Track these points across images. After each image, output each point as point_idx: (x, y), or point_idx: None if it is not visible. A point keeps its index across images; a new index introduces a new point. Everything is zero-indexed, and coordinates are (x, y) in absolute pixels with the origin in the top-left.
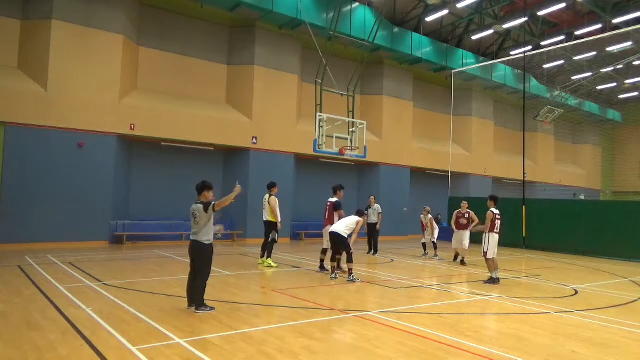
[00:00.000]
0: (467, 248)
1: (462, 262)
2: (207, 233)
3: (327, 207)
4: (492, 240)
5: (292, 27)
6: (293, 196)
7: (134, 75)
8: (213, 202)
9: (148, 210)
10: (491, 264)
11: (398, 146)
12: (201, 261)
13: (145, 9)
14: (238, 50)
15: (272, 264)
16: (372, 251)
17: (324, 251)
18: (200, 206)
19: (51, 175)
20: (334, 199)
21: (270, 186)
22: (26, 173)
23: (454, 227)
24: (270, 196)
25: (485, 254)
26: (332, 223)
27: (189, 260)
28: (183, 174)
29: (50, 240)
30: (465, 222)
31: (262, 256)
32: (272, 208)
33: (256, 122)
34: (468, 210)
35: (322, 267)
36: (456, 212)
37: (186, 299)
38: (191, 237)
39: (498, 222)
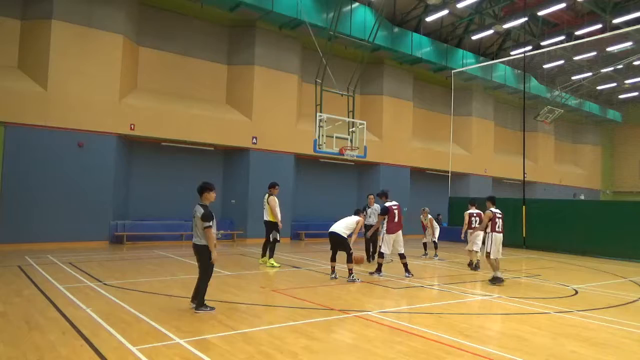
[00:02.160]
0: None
1: (476, 267)
2: (204, 236)
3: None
4: (495, 239)
5: (292, 27)
6: (293, 196)
7: (134, 75)
8: (210, 224)
9: (148, 210)
10: (493, 264)
11: (398, 146)
12: (202, 263)
13: (145, 9)
14: (238, 50)
15: (275, 264)
16: (371, 258)
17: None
18: (200, 212)
19: (51, 176)
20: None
21: (270, 186)
22: (26, 173)
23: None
24: (269, 196)
25: (488, 254)
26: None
27: (188, 261)
28: (183, 174)
29: (50, 240)
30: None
31: (263, 255)
32: (271, 208)
33: (256, 122)
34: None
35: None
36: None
37: (186, 299)
38: (193, 240)
39: (499, 221)
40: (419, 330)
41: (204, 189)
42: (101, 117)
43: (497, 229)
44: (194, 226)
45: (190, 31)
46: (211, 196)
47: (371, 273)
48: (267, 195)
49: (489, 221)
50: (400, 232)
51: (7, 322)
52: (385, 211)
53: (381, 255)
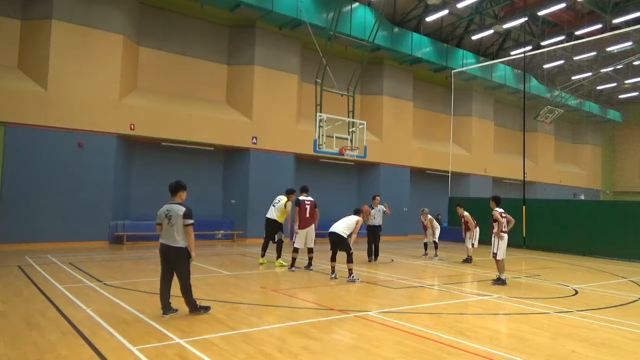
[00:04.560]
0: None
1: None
2: (184, 237)
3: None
4: (501, 240)
5: (292, 27)
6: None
7: (134, 75)
8: (192, 223)
9: (148, 210)
10: (500, 265)
11: (398, 146)
12: (182, 265)
13: (145, 9)
14: (238, 50)
15: (283, 263)
16: (373, 257)
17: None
18: (181, 209)
19: (51, 176)
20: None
21: (290, 192)
22: (26, 173)
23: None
24: (287, 201)
25: (495, 254)
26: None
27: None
28: (183, 174)
29: (50, 240)
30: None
31: (263, 255)
32: (287, 212)
33: (256, 122)
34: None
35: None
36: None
37: (174, 297)
38: (167, 242)
39: (505, 221)
40: (419, 330)
41: (178, 188)
42: (101, 117)
43: (503, 229)
44: (168, 226)
45: (190, 31)
46: (184, 195)
47: (290, 268)
48: (284, 197)
49: (495, 222)
50: (311, 227)
51: (7, 322)
52: (298, 203)
53: (295, 250)
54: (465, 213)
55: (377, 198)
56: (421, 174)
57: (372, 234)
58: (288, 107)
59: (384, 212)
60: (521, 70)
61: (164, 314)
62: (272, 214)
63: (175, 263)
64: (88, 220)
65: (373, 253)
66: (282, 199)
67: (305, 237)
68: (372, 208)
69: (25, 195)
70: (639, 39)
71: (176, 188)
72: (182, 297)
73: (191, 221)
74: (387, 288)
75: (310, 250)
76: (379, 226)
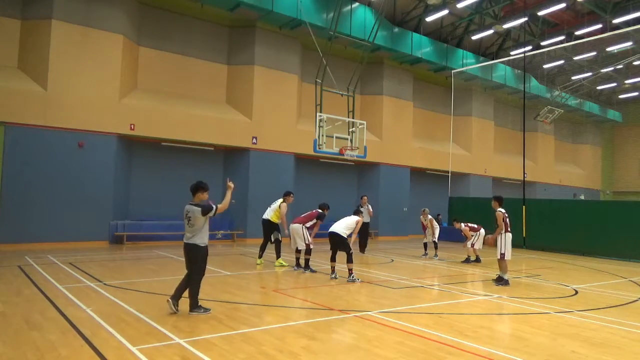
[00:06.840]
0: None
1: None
2: (203, 236)
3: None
4: (508, 240)
5: (292, 27)
6: (293, 196)
7: (134, 75)
8: (215, 207)
9: (148, 210)
10: (505, 265)
11: (398, 146)
12: (198, 264)
13: (145, 9)
14: (238, 50)
15: (284, 264)
16: (361, 251)
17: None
18: (197, 209)
19: (51, 175)
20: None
21: (286, 194)
22: (26, 173)
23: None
24: (282, 202)
25: (502, 255)
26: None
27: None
28: (183, 174)
29: (50, 240)
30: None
31: (260, 256)
32: (280, 213)
33: (256, 122)
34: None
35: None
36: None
37: (186, 300)
38: (186, 241)
39: (508, 221)
40: (419, 330)
41: (198, 188)
42: (101, 117)
43: (508, 229)
44: (189, 227)
45: (190, 31)
46: (204, 196)
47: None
48: (280, 200)
49: (502, 221)
50: (297, 226)
51: (7, 322)
52: None
53: (296, 250)
54: (463, 227)
55: (364, 198)
56: (421, 174)
57: (364, 230)
58: (288, 107)
59: (369, 211)
60: (521, 70)
61: (171, 298)
62: (267, 214)
63: (193, 260)
64: (88, 220)
65: (362, 247)
66: (279, 201)
67: (293, 235)
68: (362, 207)
69: (25, 195)
70: (639, 39)
71: (195, 189)
72: (188, 296)
73: (212, 210)
74: (387, 288)
75: (297, 251)
76: (368, 222)
